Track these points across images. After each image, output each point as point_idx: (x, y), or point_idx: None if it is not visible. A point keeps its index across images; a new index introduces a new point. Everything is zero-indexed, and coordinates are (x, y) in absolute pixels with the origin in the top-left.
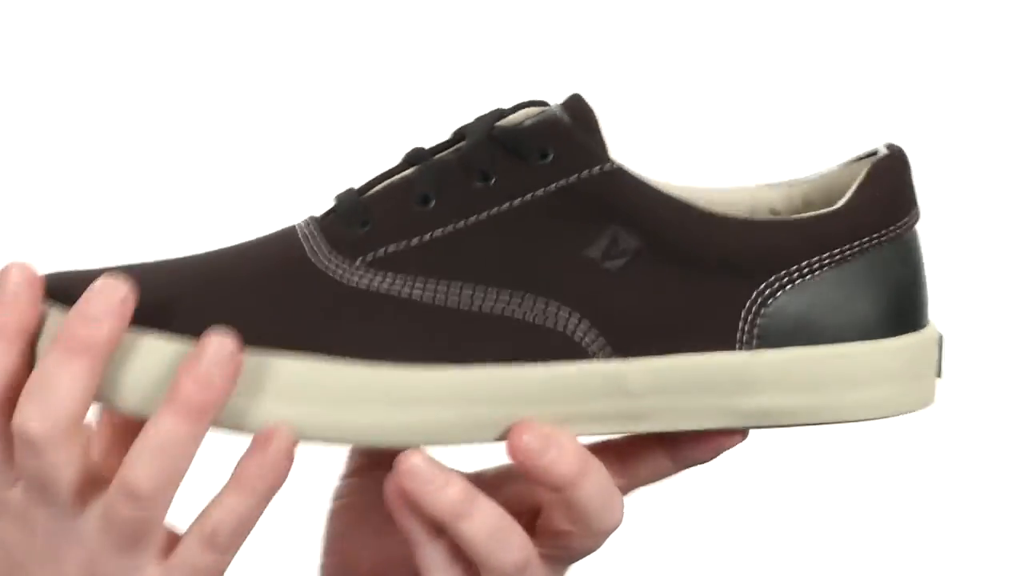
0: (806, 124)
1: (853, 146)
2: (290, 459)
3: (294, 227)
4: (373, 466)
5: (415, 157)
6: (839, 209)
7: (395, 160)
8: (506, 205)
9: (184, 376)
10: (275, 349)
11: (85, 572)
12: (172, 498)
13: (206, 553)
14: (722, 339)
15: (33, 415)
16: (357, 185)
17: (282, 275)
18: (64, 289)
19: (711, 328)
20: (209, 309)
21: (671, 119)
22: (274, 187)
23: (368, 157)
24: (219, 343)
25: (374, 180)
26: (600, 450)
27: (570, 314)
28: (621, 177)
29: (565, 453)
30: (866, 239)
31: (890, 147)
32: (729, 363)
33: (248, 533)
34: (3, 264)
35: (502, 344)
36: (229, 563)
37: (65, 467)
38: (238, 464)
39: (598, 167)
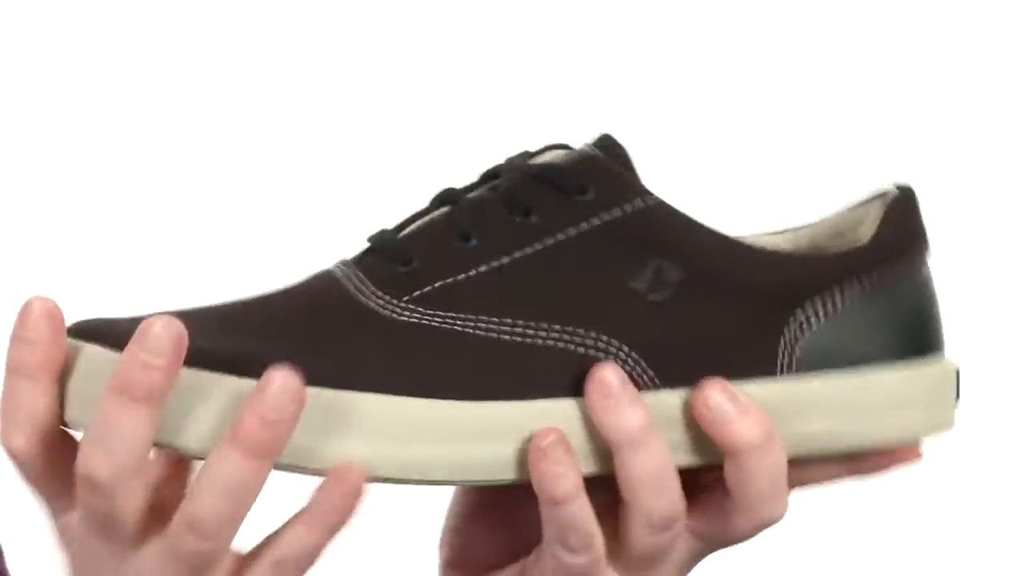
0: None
1: (845, 185)
2: (361, 496)
3: (328, 270)
4: None
5: (448, 197)
6: (864, 245)
7: (409, 188)
8: (551, 240)
9: (248, 413)
10: (337, 388)
11: None
12: (238, 529)
13: None
14: (765, 366)
15: (99, 462)
16: (386, 225)
17: (332, 314)
18: (96, 329)
19: (754, 355)
20: (265, 349)
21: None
22: (274, 191)
23: (367, 163)
24: (283, 379)
25: (407, 220)
26: None
27: (619, 347)
28: (663, 210)
29: (753, 416)
30: (888, 271)
31: (900, 187)
32: (778, 388)
33: (311, 566)
34: (15, 280)
35: (559, 377)
36: None
37: (130, 505)
38: (312, 497)
39: (640, 201)
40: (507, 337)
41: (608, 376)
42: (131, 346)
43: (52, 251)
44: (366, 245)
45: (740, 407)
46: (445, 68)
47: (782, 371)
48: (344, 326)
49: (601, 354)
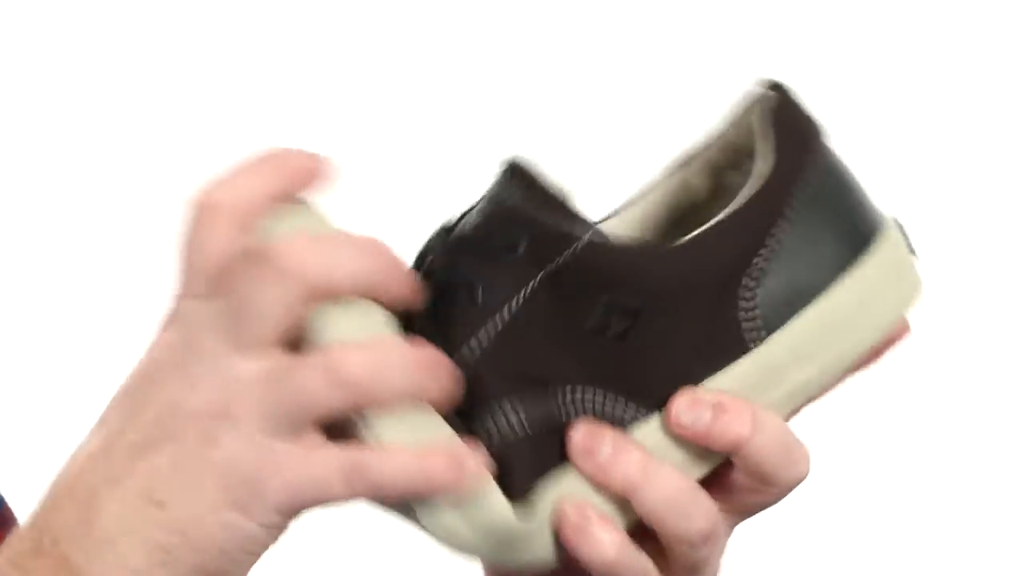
0: None
1: None
2: (470, 482)
3: None
4: None
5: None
6: (768, 179)
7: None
8: (503, 314)
9: (432, 348)
10: None
11: (218, 410)
12: (351, 402)
13: (338, 479)
14: (736, 349)
15: (359, 367)
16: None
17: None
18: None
19: (722, 345)
20: None
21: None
22: None
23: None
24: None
25: None
26: None
27: (594, 391)
28: (595, 247)
29: (728, 411)
30: (795, 185)
31: (771, 84)
32: (752, 365)
33: (376, 497)
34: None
35: (551, 451)
36: (334, 504)
37: (281, 308)
38: (433, 448)
39: (570, 247)
40: (497, 437)
41: (578, 436)
42: (412, 348)
43: (52, 251)
44: None
45: (713, 410)
46: (440, 69)
47: (752, 343)
48: None
49: (588, 413)
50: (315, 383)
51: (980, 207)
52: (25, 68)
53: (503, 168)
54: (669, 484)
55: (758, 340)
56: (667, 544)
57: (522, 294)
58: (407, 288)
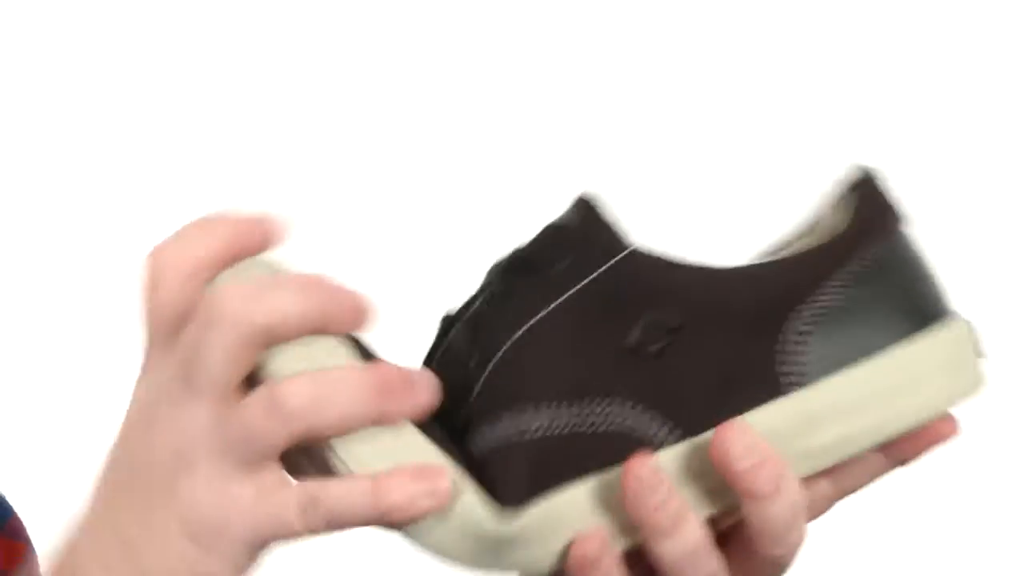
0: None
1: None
2: (433, 506)
3: None
4: None
5: (449, 322)
6: (838, 236)
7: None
8: (534, 319)
9: (396, 366)
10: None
11: (177, 455)
12: (300, 435)
13: (296, 515)
14: (771, 389)
15: (234, 294)
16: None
17: (438, 433)
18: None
19: (757, 380)
20: None
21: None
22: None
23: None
24: (431, 375)
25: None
26: None
27: (632, 408)
28: (638, 261)
29: (767, 465)
30: (870, 254)
31: (860, 168)
32: (786, 409)
33: (337, 528)
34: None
35: (585, 459)
36: (299, 539)
37: (226, 359)
38: (389, 473)
39: (611, 257)
40: (528, 436)
41: (644, 472)
42: (399, 366)
43: (52, 251)
44: None
45: (756, 454)
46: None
47: (789, 387)
48: None
49: (617, 420)
50: (257, 419)
51: (979, 209)
52: (25, 68)
53: (574, 200)
54: (691, 539)
55: (796, 384)
56: None
57: (558, 302)
58: (356, 317)
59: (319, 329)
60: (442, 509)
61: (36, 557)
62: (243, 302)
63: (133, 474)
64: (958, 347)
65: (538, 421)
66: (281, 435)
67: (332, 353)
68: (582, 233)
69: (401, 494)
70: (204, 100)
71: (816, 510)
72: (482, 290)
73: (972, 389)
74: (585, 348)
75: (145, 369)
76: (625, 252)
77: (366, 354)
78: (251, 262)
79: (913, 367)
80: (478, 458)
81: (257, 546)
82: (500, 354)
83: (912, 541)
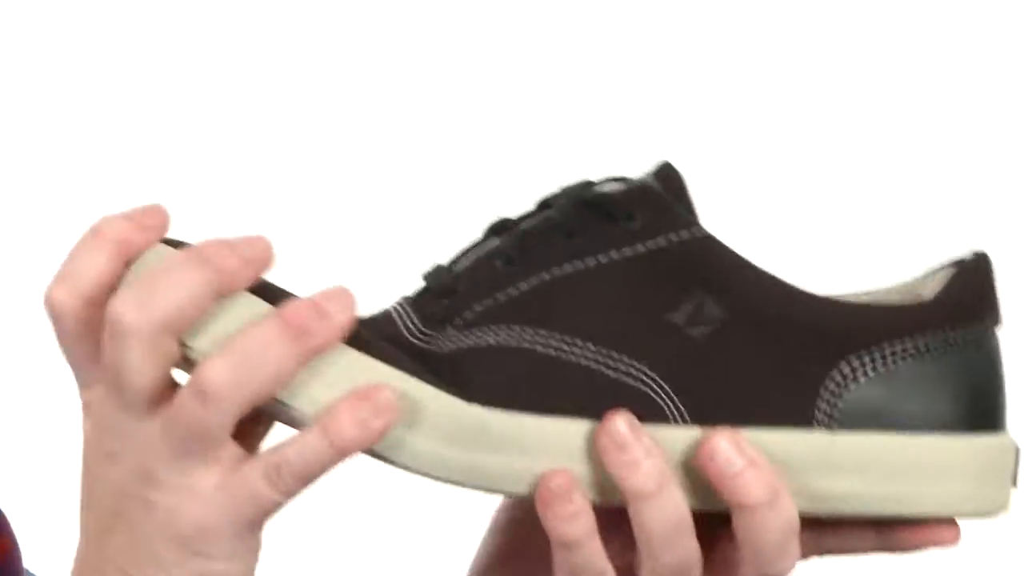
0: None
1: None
2: (385, 422)
3: (388, 309)
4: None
5: (499, 227)
6: (925, 302)
7: (471, 225)
8: (592, 262)
9: (306, 300)
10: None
11: (138, 473)
12: (239, 410)
13: (263, 485)
14: (801, 417)
15: (130, 307)
16: (445, 261)
17: (385, 340)
18: (183, 243)
19: (790, 404)
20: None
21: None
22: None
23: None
24: (345, 289)
25: (461, 253)
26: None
27: (652, 377)
28: (709, 244)
29: (760, 474)
30: (949, 333)
31: (977, 253)
32: (808, 441)
33: (312, 481)
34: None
35: (586, 397)
36: (282, 505)
37: (147, 367)
38: (332, 408)
39: (686, 232)
40: (540, 349)
41: (619, 426)
42: (313, 296)
43: (52, 251)
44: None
45: (747, 461)
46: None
47: (818, 424)
48: (391, 357)
49: (631, 379)
50: (192, 411)
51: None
52: (25, 68)
53: (656, 167)
54: (672, 508)
55: (825, 426)
56: (640, 566)
57: (621, 254)
58: (252, 267)
59: (221, 293)
60: (394, 419)
61: (19, 554)
62: (137, 306)
63: (107, 507)
64: (998, 463)
65: (557, 344)
66: (219, 418)
67: (241, 313)
68: (665, 200)
69: (350, 426)
70: (201, 100)
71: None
72: (544, 206)
73: (992, 509)
74: (631, 307)
75: (84, 408)
76: (698, 230)
77: (279, 294)
78: (143, 259)
79: (948, 459)
80: (464, 351)
81: (245, 531)
82: (545, 276)
83: None
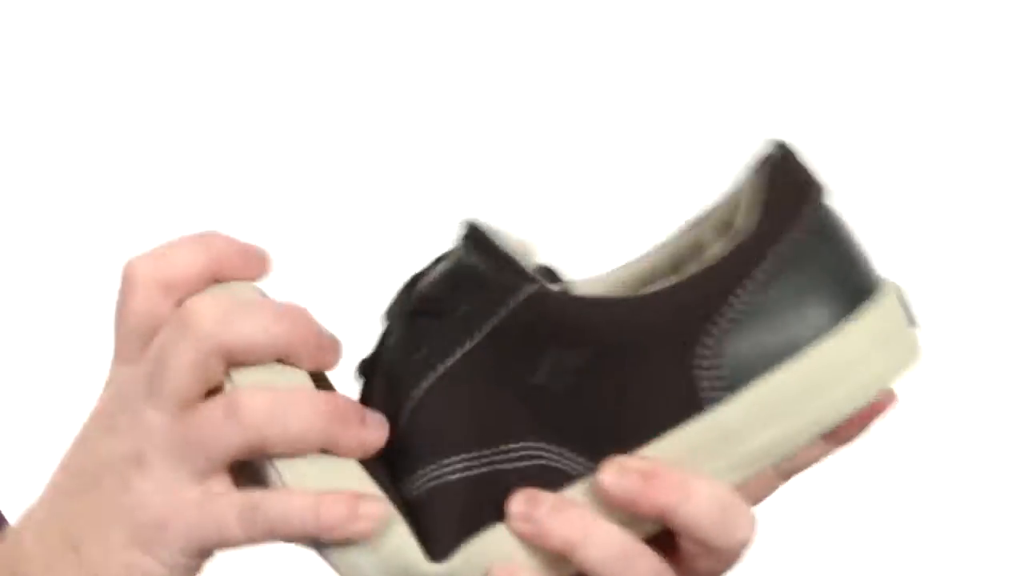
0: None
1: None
2: (368, 528)
3: None
4: None
5: (366, 368)
6: (743, 242)
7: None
8: (442, 367)
9: (354, 402)
10: None
11: (132, 454)
12: (252, 444)
13: (233, 520)
14: (690, 406)
15: (259, 406)
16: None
17: (380, 472)
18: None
19: (674, 402)
20: None
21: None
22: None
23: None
24: (380, 418)
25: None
26: None
27: (541, 448)
28: (534, 300)
29: (655, 481)
30: (778, 249)
31: (770, 147)
32: (706, 426)
33: (275, 537)
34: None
35: (499, 498)
36: (239, 545)
37: (190, 368)
38: (333, 494)
39: (511, 300)
40: (449, 476)
41: (518, 508)
42: (360, 407)
43: (52, 252)
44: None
45: (642, 477)
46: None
47: (708, 403)
48: None
49: (527, 461)
50: (215, 422)
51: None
52: (25, 68)
53: (462, 230)
54: (610, 540)
55: (716, 400)
56: None
57: (465, 347)
58: (324, 354)
59: (285, 358)
60: (373, 535)
61: None
62: (214, 319)
63: (87, 476)
64: (887, 323)
65: (456, 466)
66: (235, 441)
67: (292, 379)
68: (479, 274)
69: (340, 512)
70: (197, 101)
71: (758, 495)
72: (387, 334)
73: (907, 362)
74: (495, 392)
75: (110, 379)
76: (526, 294)
77: (326, 385)
78: (229, 286)
79: (840, 356)
80: (410, 503)
81: (195, 550)
82: (412, 404)
83: (910, 540)
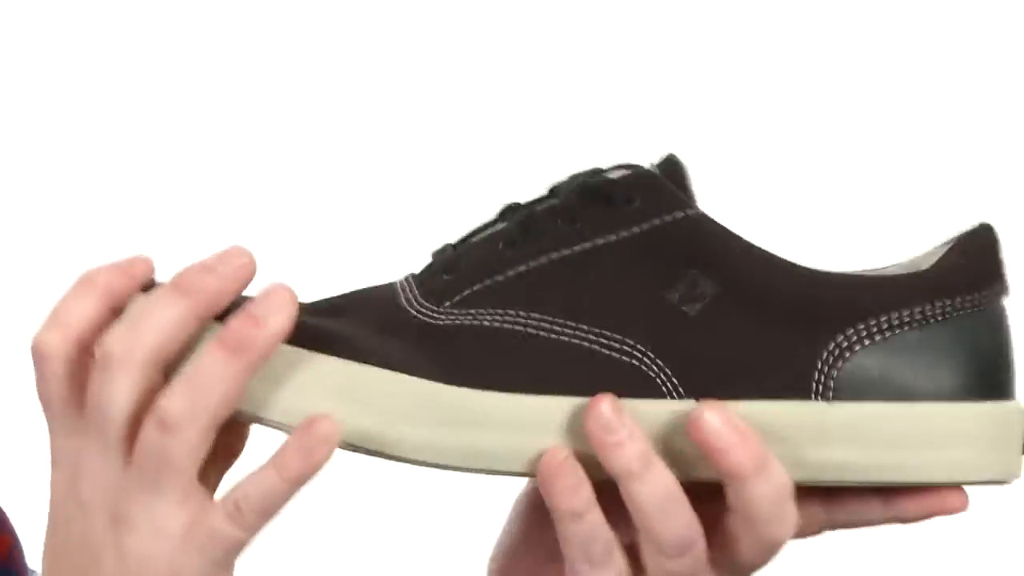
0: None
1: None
2: (328, 448)
3: (392, 282)
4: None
5: (509, 210)
6: (924, 271)
7: (480, 207)
8: (589, 244)
9: (237, 314)
10: (353, 359)
11: (110, 520)
12: (200, 436)
13: (226, 524)
14: (798, 389)
15: (120, 338)
16: (453, 240)
17: (382, 315)
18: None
19: (787, 377)
20: (348, 333)
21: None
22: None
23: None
24: (280, 288)
25: (469, 233)
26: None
27: (644, 352)
28: (702, 223)
29: (748, 445)
30: (949, 302)
31: (980, 224)
32: (803, 412)
33: (273, 514)
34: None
35: (578, 374)
36: (248, 542)
37: (125, 401)
38: (281, 445)
39: (680, 212)
40: (532, 331)
41: (603, 409)
42: (247, 304)
43: (52, 253)
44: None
45: (733, 432)
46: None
47: (817, 396)
48: (387, 324)
49: (624, 356)
50: (156, 441)
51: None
52: (25, 68)
53: (663, 156)
54: (661, 484)
55: (823, 397)
56: (641, 545)
57: (614, 237)
58: (233, 282)
59: (206, 317)
60: (333, 446)
61: (22, 550)
62: (123, 339)
63: (77, 564)
64: (1005, 429)
65: (549, 326)
66: (182, 446)
67: (205, 339)
68: (663, 183)
69: (295, 458)
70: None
71: (803, 531)
72: (553, 192)
73: (1004, 475)
74: (625, 287)
75: (55, 459)
76: (693, 211)
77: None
78: (131, 302)
79: (950, 425)
80: (458, 328)
81: (214, 571)
82: (543, 260)
83: (910, 540)
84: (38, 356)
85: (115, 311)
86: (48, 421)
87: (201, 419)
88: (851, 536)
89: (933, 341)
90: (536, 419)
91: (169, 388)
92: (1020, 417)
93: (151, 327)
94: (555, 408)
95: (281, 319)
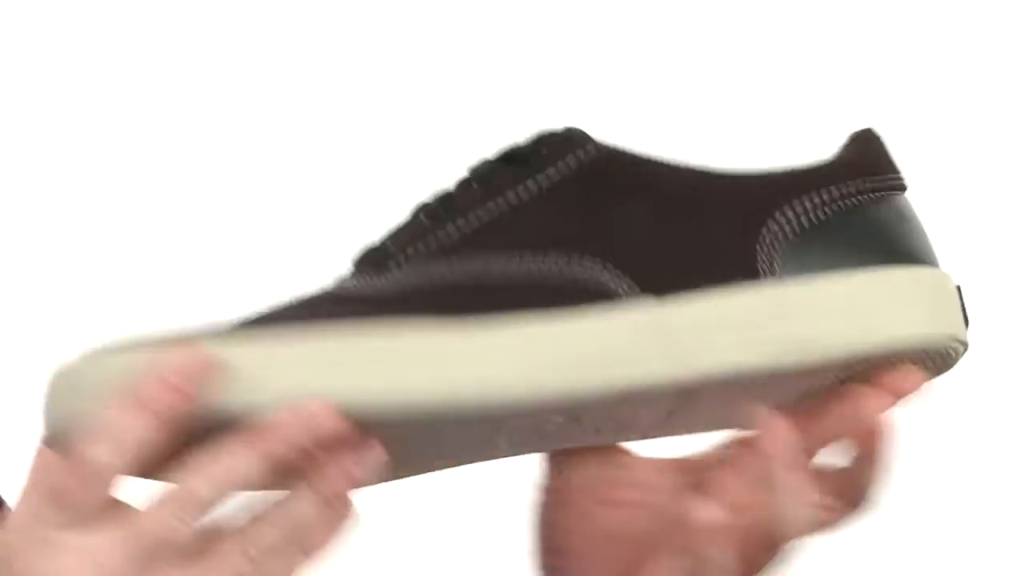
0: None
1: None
2: (305, 431)
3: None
4: (570, 451)
5: (419, 207)
6: (833, 160)
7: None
8: (512, 192)
9: (149, 374)
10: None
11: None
12: (113, 480)
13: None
14: (745, 272)
15: (102, 450)
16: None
17: (313, 300)
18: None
19: (733, 263)
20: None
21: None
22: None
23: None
24: (191, 353)
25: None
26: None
27: (593, 262)
28: (617, 152)
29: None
30: (861, 185)
31: (864, 128)
32: (759, 292)
33: (229, 490)
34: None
35: (535, 298)
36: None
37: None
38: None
39: (592, 148)
40: (475, 272)
41: (775, 438)
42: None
43: (52, 254)
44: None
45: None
46: (443, 69)
47: (764, 275)
48: (317, 305)
49: (575, 271)
50: (84, 493)
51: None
52: (25, 68)
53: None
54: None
55: (768, 277)
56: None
57: (534, 183)
58: (183, 388)
59: (167, 423)
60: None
61: None
62: (94, 457)
63: None
64: (942, 293)
65: (492, 264)
66: (99, 489)
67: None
68: (565, 132)
69: (162, 396)
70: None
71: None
72: (465, 181)
73: (955, 335)
74: (565, 220)
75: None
76: (607, 146)
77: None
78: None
79: (892, 290)
80: (415, 285)
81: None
82: (472, 217)
83: (911, 539)
84: (88, 468)
85: (170, 424)
86: (55, 513)
87: (112, 470)
88: (851, 536)
89: (858, 219)
90: (495, 352)
91: (89, 440)
92: (950, 280)
93: (107, 449)
94: (519, 334)
95: (188, 387)
